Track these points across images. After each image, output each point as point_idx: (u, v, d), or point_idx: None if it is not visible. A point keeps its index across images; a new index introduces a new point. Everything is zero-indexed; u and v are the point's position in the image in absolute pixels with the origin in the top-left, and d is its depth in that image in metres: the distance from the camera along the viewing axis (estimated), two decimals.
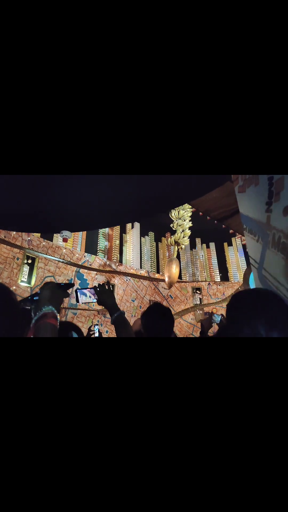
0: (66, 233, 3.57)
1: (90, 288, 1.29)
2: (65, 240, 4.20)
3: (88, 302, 1.29)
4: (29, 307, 0.92)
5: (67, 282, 1.06)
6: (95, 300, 1.27)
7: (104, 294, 1.27)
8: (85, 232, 6.06)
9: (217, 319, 2.01)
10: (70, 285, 1.05)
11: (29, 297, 0.95)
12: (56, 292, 0.91)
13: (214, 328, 2.19)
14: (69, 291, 1.05)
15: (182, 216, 4.00)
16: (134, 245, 6.59)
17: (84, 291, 1.28)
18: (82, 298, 1.27)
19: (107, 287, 1.30)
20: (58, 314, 0.83)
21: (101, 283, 1.31)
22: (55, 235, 5.49)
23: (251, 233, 1.65)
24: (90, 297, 1.28)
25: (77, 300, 1.28)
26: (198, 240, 7.40)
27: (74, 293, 1.30)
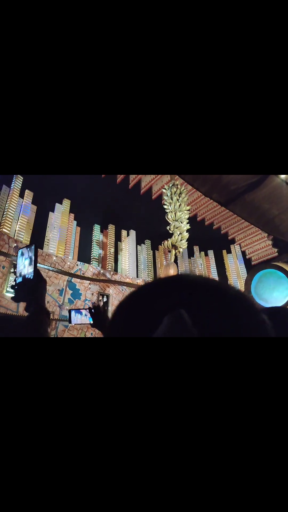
0: None
1: (85, 309, 1.21)
2: None
3: (82, 324, 1.21)
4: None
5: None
6: (91, 320, 1.15)
7: (99, 317, 1.12)
8: (78, 240, 5.80)
9: None
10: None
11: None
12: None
13: None
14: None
15: (179, 218, 3.77)
16: (130, 253, 6.31)
17: (80, 310, 1.23)
18: (76, 318, 1.22)
19: (102, 310, 1.17)
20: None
21: (96, 305, 1.17)
22: (45, 243, 5.21)
23: None
24: (85, 315, 1.21)
25: (70, 321, 1.21)
26: (196, 248, 7.17)
27: (68, 313, 1.24)
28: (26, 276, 0.75)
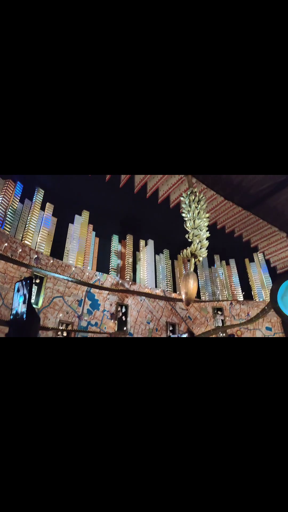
0: None
1: None
2: None
3: None
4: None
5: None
6: None
7: None
8: (96, 250, 5.83)
9: None
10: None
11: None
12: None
13: None
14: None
15: (198, 226, 3.65)
16: (148, 263, 6.24)
17: None
18: None
19: None
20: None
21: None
22: (65, 254, 5.28)
23: None
24: None
25: None
26: (216, 257, 6.94)
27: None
28: (18, 316, 0.77)
